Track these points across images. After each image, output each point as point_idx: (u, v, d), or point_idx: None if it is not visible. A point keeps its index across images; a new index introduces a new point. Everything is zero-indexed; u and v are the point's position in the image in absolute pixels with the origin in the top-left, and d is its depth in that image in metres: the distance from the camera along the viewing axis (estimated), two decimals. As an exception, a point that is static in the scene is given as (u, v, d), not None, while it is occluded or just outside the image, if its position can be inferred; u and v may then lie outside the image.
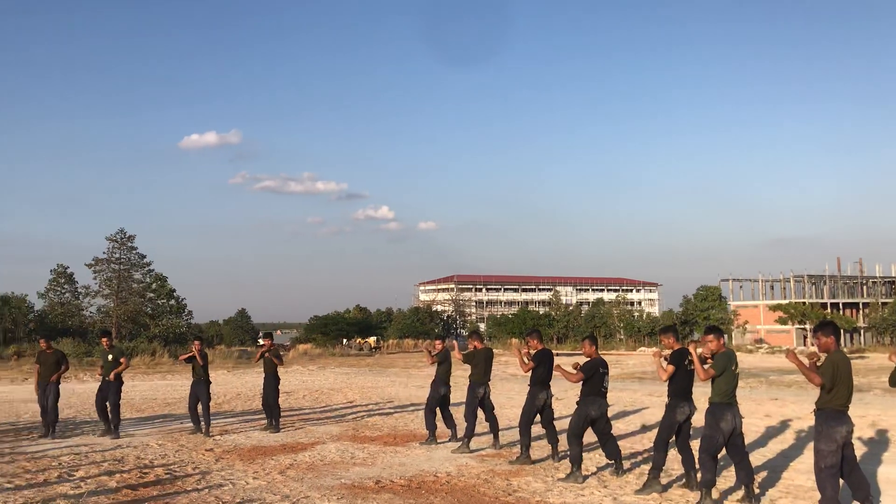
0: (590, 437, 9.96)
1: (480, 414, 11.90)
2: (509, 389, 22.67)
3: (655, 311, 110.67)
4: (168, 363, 38.59)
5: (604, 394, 9.60)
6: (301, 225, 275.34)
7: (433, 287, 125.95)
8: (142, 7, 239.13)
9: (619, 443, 10.22)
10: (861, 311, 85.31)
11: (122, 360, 13.71)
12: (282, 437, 13.43)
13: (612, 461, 9.83)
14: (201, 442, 12.89)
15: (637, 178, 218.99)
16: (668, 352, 8.97)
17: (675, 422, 8.75)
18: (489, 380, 11.93)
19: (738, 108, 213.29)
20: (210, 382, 14.04)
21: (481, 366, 11.82)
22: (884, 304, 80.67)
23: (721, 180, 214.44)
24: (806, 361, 7.35)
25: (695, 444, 8.74)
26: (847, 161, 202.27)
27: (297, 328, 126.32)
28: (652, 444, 9.31)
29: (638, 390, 23.13)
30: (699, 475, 8.29)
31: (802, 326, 70.07)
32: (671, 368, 8.68)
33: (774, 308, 66.13)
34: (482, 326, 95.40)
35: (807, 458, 10.42)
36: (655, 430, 9.44)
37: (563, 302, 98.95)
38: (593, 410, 9.47)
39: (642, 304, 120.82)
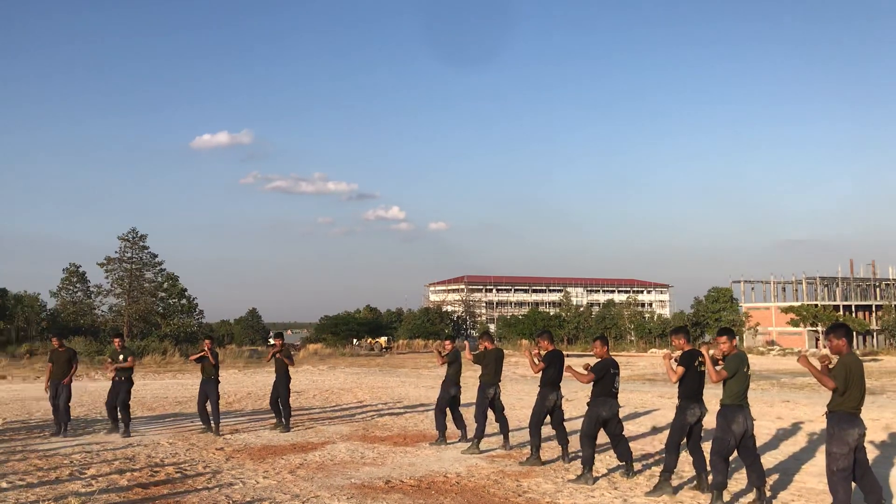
0: (600, 438, 9.93)
1: (490, 415, 11.88)
2: (520, 390, 22.64)
3: (666, 312, 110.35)
4: (179, 362, 38.77)
5: (615, 395, 9.57)
6: (312, 225, 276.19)
7: (443, 287, 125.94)
8: (153, 8, 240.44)
9: (630, 444, 10.18)
10: (874, 314, 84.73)
11: (129, 358, 13.81)
12: (292, 436, 13.45)
13: (623, 463, 9.81)
14: (212, 441, 12.93)
15: (648, 178, 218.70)
16: (678, 353, 8.93)
17: (686, 424, 8.72)
18: (499, 380, 11.91)
19: (750, 108, 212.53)
20: (219, 382, 14.09)
21: (492, 366, 11.81)
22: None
23: (733, 181, 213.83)
24: (818, 364, 7.30)
25: (706, 447, 8.70)
26: (860, 162, 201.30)
27: (308, 328, 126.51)
28: (663, 446, 9.27)
29: (649, 392, 23.05)
30: (710, 477, 8.26)
31: (814, 329, 69.64)
32: (681, 370, 8.65)
33: (786, 310, 65.63)
34: (492, 327, 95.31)
35: (819, 461, 10.37)
36: (666, 432, 9.41)
37: (574, 303, 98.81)
38: (604, 411, 9.44)
39: (653, 305, 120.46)
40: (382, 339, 71.50)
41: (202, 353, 13.99)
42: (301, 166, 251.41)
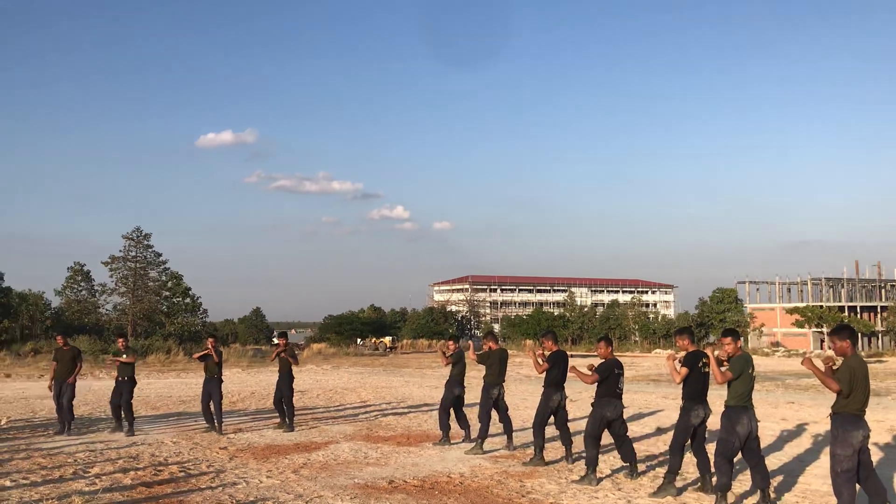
0: (604, 439, 9.91)
1: (494, 415, 11.88)
2: (524, 391, 22.63)
3: (671, 313, 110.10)
4: (183, 361, 38.84)
5: (619, 395, 9.55)
6: (316, 224, 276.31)
7: (448, 287, 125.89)
8: (158, 8, 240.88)
9: (635, 445, 10.17)
10: (879, 315, 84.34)
11: (131, 356, 13.86)
12: (295, 436, 13.46)
13: (627, 463, 9.79)
14: (215, 440, 12.95)
15: (652, 179, 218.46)
16: (682, 354, 8.91)
17: (690, 425, 8.70)
18: (504, 381, 11.90)
19: (755, 110, 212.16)
20: (222, 381, 14.10)
21: (496, 367, 11.78)
22: (902, 307, 79.82)
23: (737, 182, 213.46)
24: (822, 366, 7.28)
25: (710, 448, 8.68)
26: (865, 163, 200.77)
27: (312, 327, 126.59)
28: (667, 447, 9.25)
29: (653, 392, 23.02)
30: (714, 479, 8.25)
31: (819, 330, 69.37)
32: (685, 371, 8.63)
33: (791, 311, 65.42)
34: (496, 327, 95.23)
35: (823, 463, 10.35)
36: (670, 433, 9.39)
37: (578, 303, 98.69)
38: (609, 412, 9.42)
39: (657, 305, 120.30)
40: (386, 339, 71.42)
41: (206, 352, 14.02)
42: (305, 165, 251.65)
